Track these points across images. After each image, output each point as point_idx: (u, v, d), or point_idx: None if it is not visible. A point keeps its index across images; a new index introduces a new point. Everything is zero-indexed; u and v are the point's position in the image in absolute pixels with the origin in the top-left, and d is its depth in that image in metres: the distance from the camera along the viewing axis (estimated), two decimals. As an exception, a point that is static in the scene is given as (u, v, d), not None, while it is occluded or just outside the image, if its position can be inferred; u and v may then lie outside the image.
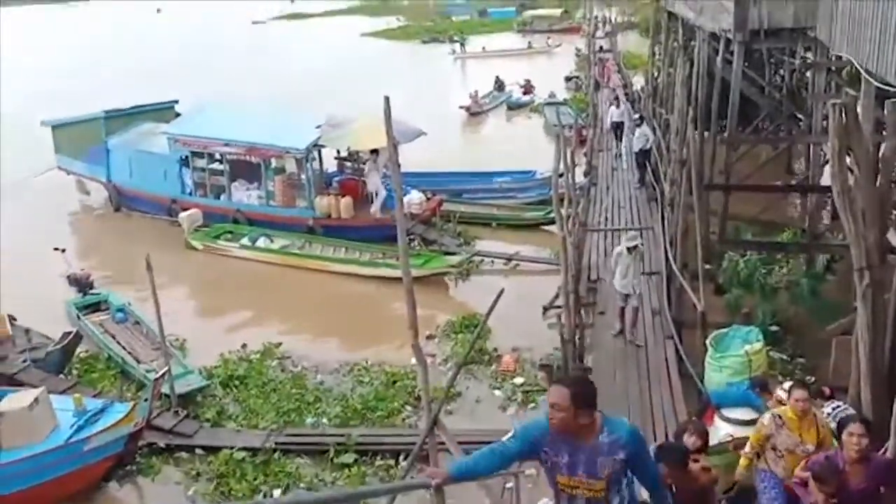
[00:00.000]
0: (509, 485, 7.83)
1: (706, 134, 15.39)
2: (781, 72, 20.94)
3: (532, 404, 10.88)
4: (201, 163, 19.03)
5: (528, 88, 34.56)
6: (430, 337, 12.69)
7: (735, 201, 14.49)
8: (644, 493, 4.13)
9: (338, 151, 19.18)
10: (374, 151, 17.58)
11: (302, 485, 9.43)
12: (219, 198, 18.95)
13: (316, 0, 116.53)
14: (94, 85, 41.80)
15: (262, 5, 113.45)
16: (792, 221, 15.36)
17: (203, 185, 19.12)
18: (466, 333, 12.85)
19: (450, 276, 15.62)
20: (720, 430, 7.23)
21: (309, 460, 9.85)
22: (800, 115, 17.53)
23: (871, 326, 6.68)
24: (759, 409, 7.27)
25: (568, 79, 38.40)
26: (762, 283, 11.77)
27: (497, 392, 11.35)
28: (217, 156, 18.83)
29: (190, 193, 19.28)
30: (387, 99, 6.32)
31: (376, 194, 17.60)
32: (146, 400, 9.46)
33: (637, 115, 21.33)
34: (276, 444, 9.98)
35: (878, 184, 7.58)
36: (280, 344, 12.99)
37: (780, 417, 5.81)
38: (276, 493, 9.22)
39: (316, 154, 18.44)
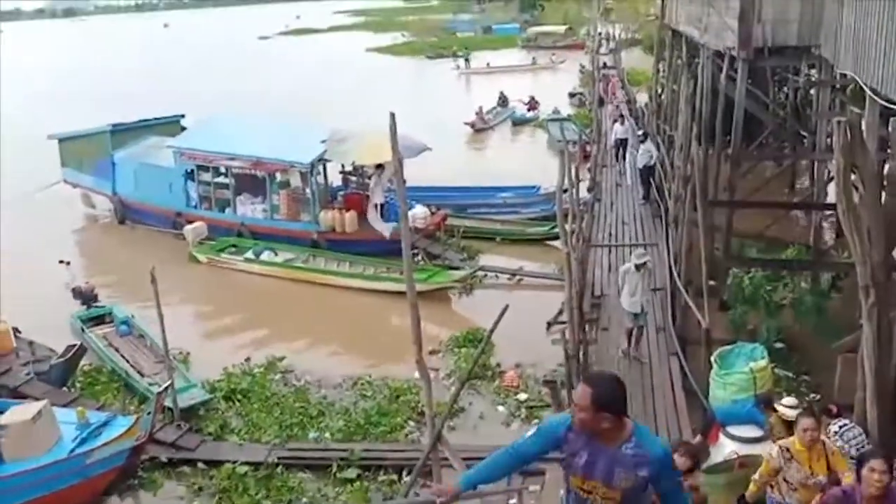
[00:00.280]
0: (512, 501, 7.80)
1: (710, 151, 15.40)
2: (785, 89, 21.01)
3: (535, 420, 10.82)
4: (206, 176, 19.11)
5: (532, 104, 34.68)
6: (433, 352, 12.66)
7: (739, 218, 14.48)
8: None
9: (342, 166, 19.25)
10: (379, 166, 17.63)
11: (304, 500, 9.40)
12: (223, 211, 19.01)
13: (321, 16, 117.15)
14: (98, 99, 42.02)
15: (268, 21, 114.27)
16: (797, 238, 15.32)
17: (208, 198, 19.19)
18: (470, 348, 12.83)
19: (453, 290, 15.63)
20: (725, 448, 7.20)
21: (311, 475, 9.81)
22: (804, 133, 17.55)
23: (877, 344, 6.65)
24: (765, 426, 7.24)
25: (572, 95, 38.56)
26: (767, 299, 11.73)
27: (500, 408, 11.31)
28: (222, 169, 18.92)
29: (195, 207, 19.35)
30: (392, 115, 6.37)
31: (379, 209, 17.64)
32: (149, 413, 9.46)
33: (641, 132, 21.40)
34: (278, 458, 9.94)
35: (883, 201, 7.57)
36: (283, 358, 12.98)
37: (787, 451, 5.66)
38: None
39: (321, 168, 18.53)
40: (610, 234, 16.60)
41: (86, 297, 14.54)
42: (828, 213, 14.16)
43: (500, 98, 35.85)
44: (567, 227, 10.96)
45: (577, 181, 14.74)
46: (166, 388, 9.98)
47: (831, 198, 13.84)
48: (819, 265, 13.09)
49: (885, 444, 6.52)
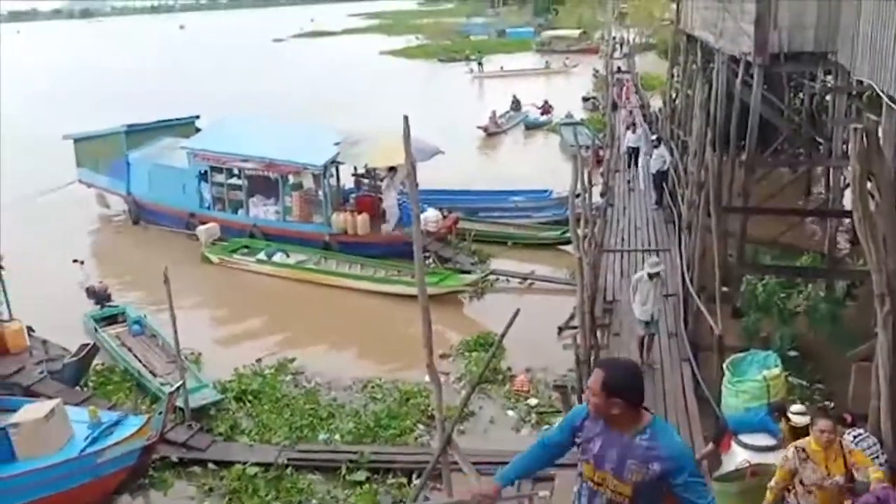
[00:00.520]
0: (523, 507, 7.77)
1: (724, 156, 15.33)
2: (801, 95, 20.87)
3: (546, 426, 10.79)
4: (220, 177, 19.21)
5: (546, 109, 34.66)
6: (443, 356, 12.64)
7: (753, 224, 14.39)
8: None
9: (355, 168, 19.30)
10: (392, 169, 17.69)
11: (314, 502, 9.39)
12: (236, 212, 19.10)
13: (335, 19, 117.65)
14: (113, 100, 42.32)
15: (282, 23, 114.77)
16: (811, 245, 15.20)
17: (221, 199, 19.29)
18: (480, 352, 12.81)
19: (464, 294, 15.61)
20: (737, 456, 7.15)
21: (321, 477, 9.80)
22: (819, 139, 17.43)
23: (892, 353, 6.58)
24: (778, 435, 7.18)
25: (585, 99, 38.52)
26: (781, 307, 11.63)
27: (511, 412, 11.28)
28: (235, 171, 19.01)
29: (208, 208, 19.46)
30: (406, 118, 6.37)
31: (391, 211, 17.69)
32: (160, 413, 9.48)
33: (655, 137, 21.34)
34: (288, 459, 9.94)
35: (899, 209, 7.49)
36: (294, 359, 13.01)
37: (803, 451, 5.60)
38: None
39: (333, 170, 18.57)
40: (622, 239, 16.54)
41: (99, 296, 14.61)
42: (843, 220, 14.07)
43: (512, 102, 35.84)
44: (579, 231, 10.93)
45: (590, 186, 14.71)
46: (178, 389, 10.01)
47: (847, 205, 13.76)
48: (834, 273, 12.97)
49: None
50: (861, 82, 10.82)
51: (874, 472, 5.37)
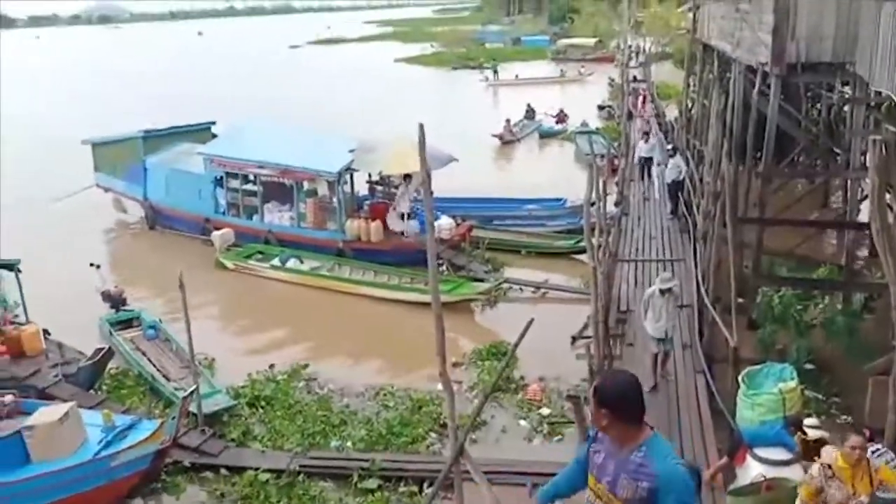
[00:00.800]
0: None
1: (740, 167, 15.24)
2: (819, 105, 20.72)
3: (558, 437, 10.74)
4: (235, 183, 19.33)
5: (561, 117, 34.59)
6: (456, 364, 12.62)
7: (770, 235, 14.27)
8: None
9: (369, 175, 19.36)
10: (407, 176, 17.73)
11: (325, 509, 9.39)
12: (251, 218, 19.19)
13: (351, 26, 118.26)
14: (131, 104, 42.69)
15: (299, 30, 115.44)
16: (828, 257, 15.07)
17: (236, 205, 19.40)
18: (493, 361, 12.78)
19: (477, 302, 15.58)
20: (752, 470, 7.07)
21: (332, 484, 9.79)
22: (837, 150, 17.29)
23: (911, 368, 6.50)
24: (794, 449, 7.10)
25: (601, 108, 38.46)
26: (797, 319, 11.53)
27: (523, 422, 11.23)
28: (251, 177, 19.13)
29: (223, 213, 19.58)
30: (421, 126, 6.37)
31: (405, 218, 17.73)
32: (174, 418, 9.52)
33: (670, 146, 21.24)
34: (300, 466, 9.95)
35: (919, 222, 7.42)
36: (307, 365, 13.03)
37: (829, 468, 5.46)
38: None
39: (348, 177, 18.63)
40: (637, 249, 16.47)
41: (115, 300, 14.71)
42: (861, 232, 13.93)
43: (526, 110, 35.82)
44: (594, 240, 10.88)
45: (605, 195, 14.67)
46: (191, 394, 10.05)
47: (864, 216, 13.63)
48: (851, 285, 12.84)
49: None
50: (880, 93, 10.73)
51: None
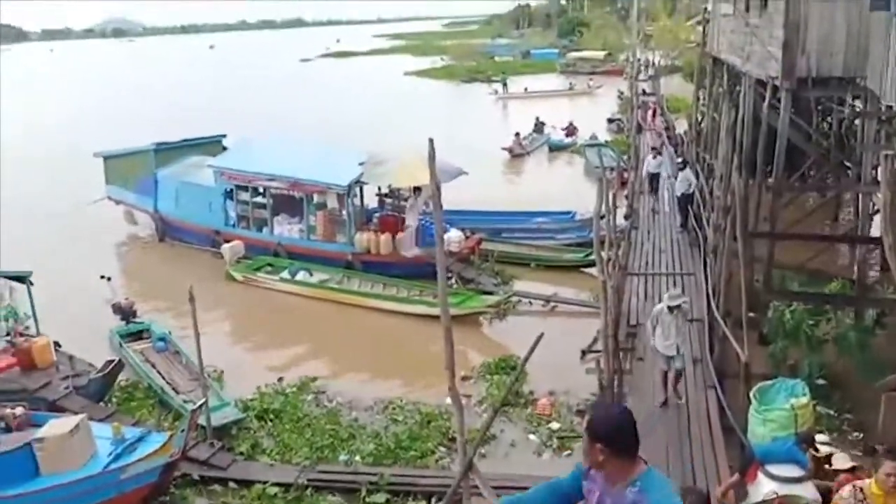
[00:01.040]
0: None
1: (751, 180, 15.19)
2: (829, 119, 20.66)
3: (568, 452, 10.68)
4: (245, 196, 19.42)
5: (570, 130, 34.61)
6: (465, 378, 12.57)
7: (780, 249, 14.21)
8: None
9: (379, 188, 19.42)
10: (416, 189, 17.77)
11: (333, 524, 9.35)
12: (261, 231, 19.26)
13: (361, 39, 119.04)
14: (142, 118, 43.03)
15: (309, 44, 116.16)
16: (840, 271, 14.97)
17: (246, 217, 19.48)
18: (502, 375, 12.74)
19: (486, 315, 15.55)
20: (763, 487, 6.98)
21: (341, 498, 9.75)
22: (848, 164, 17.22)
23: (924, 385, 6.44)
24: (806, 466, 7.03)
25: (610, 121, 38.48)
26: (809, 334, 11.43)
27: (532, 436, 11.17)
28: (261, 189, 19.21)
29: (233, 226, 19.66)
30: (431, 140, 6.40)
31: (414, 231, 17.76)
32: (183, 431, 9.50)
33: (680, 159, 21.19)
34: (308, 480, 9.92)
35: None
36: (315, 378, 13.02)
37: (861, 491, 5.37)
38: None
39: (357, 190, 18.69)
40: (647, 263, 16.41)
41: (125, 312, 14.76)
42: (872, 246, 13.84)
43: (535, 124, 35.86)
44: (603, 254, 10.84)
45: (615, 208, 14.64)
46: (200, 406, 10.05)
47: (876, 231, 13.54)
48: (863, 301, 12.74)
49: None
50: (891, 107, 10.69)
51: None
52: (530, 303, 16.23)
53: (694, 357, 11.41)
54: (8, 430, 9.82)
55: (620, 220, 17.22)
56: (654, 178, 21.08)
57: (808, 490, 6.58)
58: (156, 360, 13.38)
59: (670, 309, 10.06)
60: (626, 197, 20.79)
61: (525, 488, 3.96)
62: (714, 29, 24.10)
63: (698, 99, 28.24)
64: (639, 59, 54.23)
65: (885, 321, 12.11)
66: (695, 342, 11.83)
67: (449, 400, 8.69)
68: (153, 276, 19.24)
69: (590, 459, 3.31)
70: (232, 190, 19.56)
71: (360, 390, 12.67)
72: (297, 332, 15.47)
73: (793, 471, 6.94)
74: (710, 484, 8.11)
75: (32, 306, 13.18)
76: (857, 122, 17.35)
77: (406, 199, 18.63)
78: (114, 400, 12.36)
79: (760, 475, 7.11)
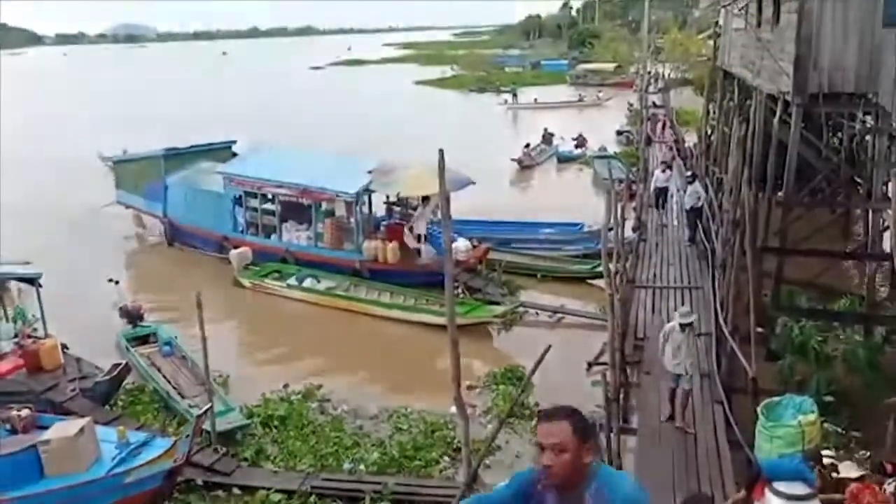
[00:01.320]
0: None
1: (760, 195, 15.15)
2: (840, 135, 20.60)
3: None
4: (254, 202, 19.48)
5: (580, 142, 34.60)
6: (471, 387, 12.53)
7: (790, 264, 14.16)
8: None
9: (387, 196, 19.44)
10: (425, 198, 17.80)
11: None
12: (269, 237, 19.31)
13: (372, 48, 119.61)
14: (155, 123, 43.26)
15: (320, 51, 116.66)
16: (849, 288, 14.89)
17: (254, 224, 19.53)
18: (508, 385, 12.71)
19: (493, 325, 15.52)
20: (770, 505, 6.94)
21: (344, 507, 9.73)
22: (858, 180, 17.16)
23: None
24: (813, 484, 6.97)
25: (619, 133, 38.47)
26: (817, 350, 11.37)
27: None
28: (269, 196, 19.26)
29: (241, 232, 19.71)
30: (441, 151, 6.43)
31: (421, 240, 17.78)
32: (188, 436, 9.51)
33: (689, 173, 21.14)
34: (311, 487, 9.89)
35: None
36: (321, 386, 13.00)
37: None
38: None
39: (366, 198, 18.73)
40: (654, 275, 16.38)
41: (132, 316, 14.80)
42: (882, 263, 13.78)
43: (544, 135, 35.87)
44: (611, 266, 10.82)
45: (623, 220, 14.62)
46: (206, 412, 10.05)
47: (886, 248, 13.49)
48: (872, 318, 12.67)
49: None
50: (903, 124, 10.67)
51: None
52: (537, 314, 16.19)
53: (702, 372, 11.35)
54: (14, 431, 9.83)
55: (628, 233, 17.21)
56: (661, 192, 20.85)
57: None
58: (162, 365, 13.40)
59: (682, 327, 9.92)
60: (635, 209, 20.76)
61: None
62: (725, 43, 24.12)
63: (708, 112, 28.23)
64: (649, 72, 54.34)
65: (895, 338, 12.02)
66: (702, 357, 11.77)
67: (454, 409, 8.69)
68: (161, 281, 19.30)
69: (572, 470, 2.95)
70: (241, 196, 19.62)
71: (365, 398, 12.64)
72: (303, 339, 15.47)
73: (800, 488, 6.87)
74: (715, 500, 8.05)
75: (41, 308, 13.23)
76: (867, 138, 17.29)
77: (414, 208, 18.66)
78: (119, 403, 12.37)
79: (767, 492, 7.04)
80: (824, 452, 7.21)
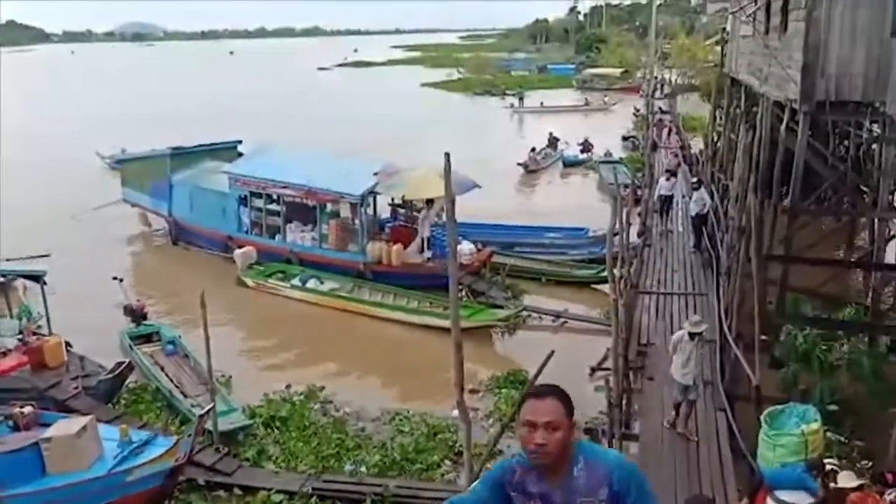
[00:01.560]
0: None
1: (766, 202, 15.11)
2: (847, 143, 20.54)
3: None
4: (259, 203, 19.51)
5: (586, 146, 34.57)
6: (473, 391, 12.52)
7: (795, 272, 14.10)
8: None
9: (392, 198, 19.46)
10: (429, 201, 17.80)
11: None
12: (273, 237, 19.33)
13: (378, 49, 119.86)
14: (163, 121, 43.38)
15: (327, 52, 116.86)
16: (854, 297, 14.84)
17: (259, 224, 19.56)
18: (510, 389, 12.69)
19: (496, 329, 15.51)
20: (773, 513, 6.91)
21: (345, 509, 9.72)
22: (864, 188, 17.09)
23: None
24: (816, 493, 6.94)
25: (625, 138, 38.44)
26: (821, 359, 11.33)
27: (539, 452, 11.07)
28: (274, 197, 19.28)
29: (246, 231, 19.74)
30: (447, 155, 6.42)
31: (425, 242, 17.78)
32: (190, 435, 9.50)
33: (695, 179, 21.09)
34: (313, 488, 9.89)
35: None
36: (323, 387, 13.00)
37: None
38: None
39: (370, 200, 18.74)
40: (658, 281, 16.32)
41: (136, 314, 14.81)
42: (887, 273, 13.73)
43: (549, 139, 35.85)
44: (616, 271, 10.80)
45: (628, 225, 14.59)
46: (208, 411, 10.05)
47: (891, 257, 13.45)
48: (877, 327, 12.62)
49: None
50: (910, 133, 10.63)
51: None
52: (540, 318, 16.17)
53: (705, 379, 11.32)
54: (16, 428, 9.84)
55: (633, 238, 17.18)
56: (666, 200, 20.48)
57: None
58: (165, 364, 13.42)
59: (692, 336, 9.80)
60: (640, 215, 20.72)
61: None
62: (732, 49, 24.07)
63: (715, 118, 28.18)
64: (656, 77, 54.33)
65: (900, 348, 12.00)
66: (706, 364, 11.74)
67: (456, 412, 8.68)
68: (165, 279, 19.33)
69: (562, 451, 2.90)
70: (246, 196, 19.66)
71: (367, 400, 12.64)
72: (306, 340, 15.48)
73: (803, 498, 6.85)
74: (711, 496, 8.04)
75: (46, 306, 13.26)
76: (874, 146, 17.24)
77: (419, 211, 18.67)
78: (122, 402, 12.39)
79: (769, 501, 7.02)
80: (827, 462, 7.16)
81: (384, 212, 19.91)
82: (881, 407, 10.56)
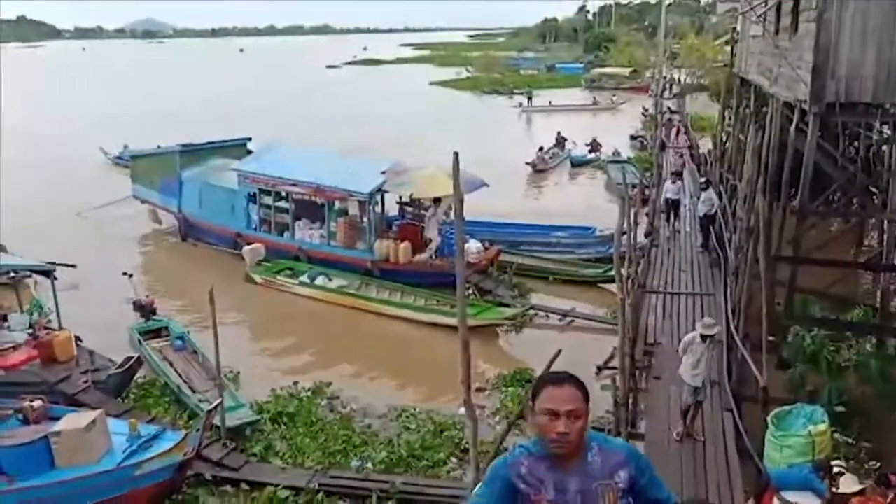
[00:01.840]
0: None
1: (775, 203, 15.07)
2: (856, 144, 20.47)
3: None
4: (268, 200, 19.57)
5: (594, 146, 34.53)
6: (479, 389, 12.54)
7: (803, 273, 14.07)
8: None
9: (400, 196, 19.50)
10: (437, 199, 17.83)
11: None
12: (282, 235, 19.40)
13: (387, 48, 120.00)
14: (172, 118, 43.54)
15: (336, 50, 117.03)
16: (862, 299, 14.79)
17: (268, 221, 19.63)
18: (517, 387, 12.70)
19: (503, 327, 15.53)
20: (779, 514, 6.91)
21: (351, 504, 9.77)
22: (874, 190, 17.04)
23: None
24: (823, 495, 6.93)
25: (633, 137, 38.38)
26: (829, 360, 11.30)
27: (544, 451, 11.09)
28: (283, 194, 19.34)
29: (255, 228, 19.81)
30: (456, 154, 6.45)
31: (433, 241, 17.81)
32: (198, 430, 9.57)
33: (703, 179, 21.04)
34: (319, 484, 9.93)
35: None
36: (330, 384, 13.05)
37: None
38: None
39: (379, 198, 18.78)
40: (665, 281, 16.30)
41: (145, 309, 14.90)
42: (896, 274, 13.69)
43: (556, 139, 35.82)
44: (623, 271, 10.80)
45: (636, 225, 14.59)
46: (216, 407, 10.12)
47: (901, 259, 13.38)
48: (885, 329, 12.58)
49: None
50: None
51: None
52: (547, 316, 16.18)
53: (712, 379, 11.29)
54: (26, 422, 9.92)
55: (641, 238, 17.17)
56: (673, 204, 19.96)
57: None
58: (173, 359, 13.49)
59: (704, 338, 9.71)
60: (647, 215, 20.69)
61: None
62: (742, 49, 23.99)
63: (724, 119, 28.09)
64: (664, 77, 54.17)
65: (908, 350, 11.95)
66: (713, 364, 11.72)
67: (462, 410, 8.71)
68: (174, 275, 19.44)
69: (579, 437, 2.86)
70: (255, 193, 19.73)
71: (374, 397, 12.68)
72: (313, 337, 15.54)
73: (809, 499, 6.85)
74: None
75: (56, 300, 13.35)
76: (884, 147, 17.18)
77: (427, 209, 18.70)
78: (131, 396, 12.47)
79: (776, 502, 7.03)
80: (834, 463, 7.15)
81: (392, 210, 19.95)
82: (889, 409, 10.54)
